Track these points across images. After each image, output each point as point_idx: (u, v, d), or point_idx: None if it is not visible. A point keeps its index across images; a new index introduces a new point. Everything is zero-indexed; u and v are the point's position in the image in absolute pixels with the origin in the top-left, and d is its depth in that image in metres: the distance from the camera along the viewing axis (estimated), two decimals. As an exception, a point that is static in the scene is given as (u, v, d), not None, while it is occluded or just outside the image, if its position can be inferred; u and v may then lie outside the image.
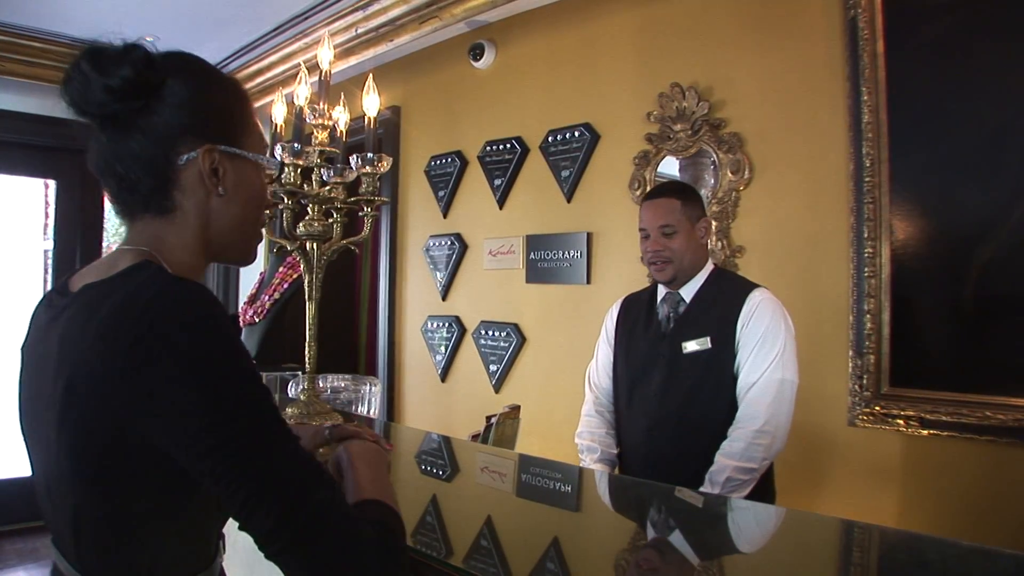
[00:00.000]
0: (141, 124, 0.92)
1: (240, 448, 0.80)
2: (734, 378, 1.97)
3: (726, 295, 2.05)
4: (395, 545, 0.89)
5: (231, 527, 0.89)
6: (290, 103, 1.91)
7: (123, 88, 0.90)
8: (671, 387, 2.03)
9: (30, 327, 0.99)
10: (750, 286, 2.05)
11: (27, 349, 0.98)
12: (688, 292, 2.09)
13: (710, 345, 2.00)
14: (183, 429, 0.80)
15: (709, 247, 2.81)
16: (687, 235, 2.06)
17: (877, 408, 2.32)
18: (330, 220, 1.91)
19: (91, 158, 0.96)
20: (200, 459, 0.80)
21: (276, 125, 1.96)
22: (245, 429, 0.81)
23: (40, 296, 1.03)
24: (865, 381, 2.34)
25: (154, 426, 0.81)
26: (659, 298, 2.16)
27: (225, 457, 0.80)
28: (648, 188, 3.00)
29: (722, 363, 1.98)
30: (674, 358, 2.04)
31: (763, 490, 1.94)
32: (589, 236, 3.27)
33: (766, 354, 1.92)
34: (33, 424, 0.95)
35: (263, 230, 1.10)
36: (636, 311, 2.23)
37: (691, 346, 2.02)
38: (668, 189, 2.16)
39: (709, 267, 2.12)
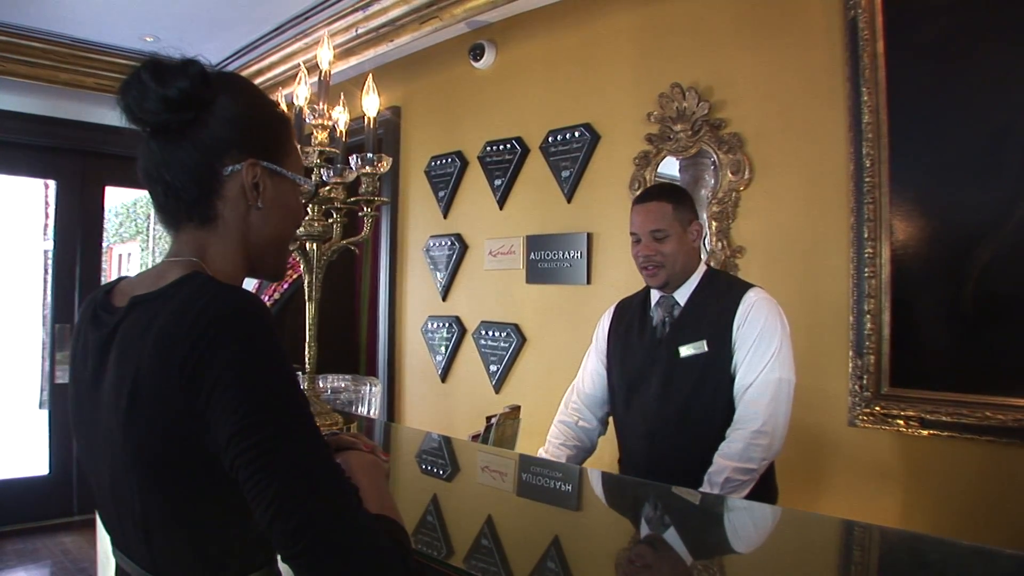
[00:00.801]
0: (191, 135, 0.97)
1: (273, 448, 0.83)
2: (732, 379, 1.95)
3: (720, 297, 2.03)
4: (407, 557, 0.91)
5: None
6: (290, 103, 1.91)
7: (178, 99, 0.94)
8: (669, 392, 2.00)
9: (76, 344, 1.03)
10: (744, 286, 2.04)
11: (77, 366, 1.02)
12: (682, 295, 2.06)
13: (706, 348, 1.97)
14: (225, 427, 0.84)
15: (710, 248, 2.82)
16: (679, 239, 2.03)
17: (877, 408, 2.32)
18: (330, 220, 1.91)
19: (140, 164, 1.00)
20: (236, 456, 0.83)
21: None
22: (280, 431, 0.84)
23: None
24: (865, 381, 2.34)
25: (206, 427, 0.85)
26: (653, 302, 2.13)
27: (258, 456, 0.82)
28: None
29: (719, 365, 1.96)
30: (671, 363, 2.01)
31: (764, 490, 1.93)
32: (589, 236, 3.27)
33: (762, 354, 1.91)
34: (93, 436, 0.98)
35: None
36: (629, 317, 2.20)
37: (687, 350, 1.99)
38: (659, 192, 2.12)
39: (702, 269, 2.09)
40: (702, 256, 2.29)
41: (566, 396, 2.33)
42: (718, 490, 1.83)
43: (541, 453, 2.25)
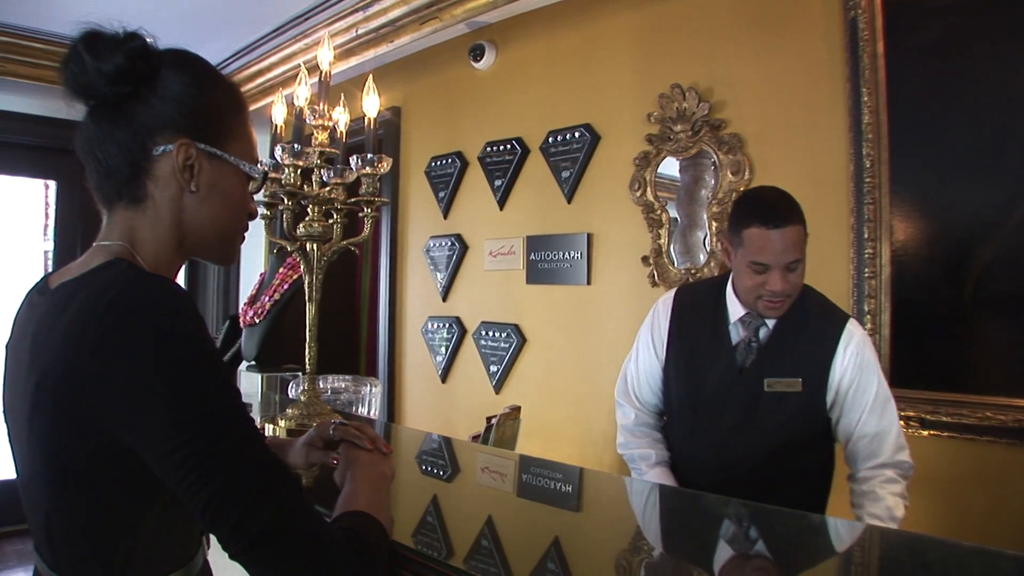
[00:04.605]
0: (126, 111, 0.94)
1: (203, 447, 0.80)
2: (824, 422, 1.80)
3: (815, 325, 1.80)
4: (366, 552, 0.89)
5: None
6: (290, 104, 1.91)
7: (114, 74, 0.91)
8: (749, 429, 1.79)
9: (13, 326, 1.00)
10: (841, 318, 1.82)
11: (9, 348, 0.99)
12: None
13: (800, 389, 1.76)
14: (147, 427, 0.80)
15: (709, 248, 2.82)
16: (804, 264, 1.76)
17: (877, 409, 2.32)
18: (330, 221, 1.91)
19: (76, 141, 0.97)
20: (164, 457, 0.80)
21: (276, 126, 1.96)
22: (209, 428, 0.81)
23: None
24: (865, 382, 2.34)
25: (120, 423, 0.82)
26: (732, 315, 1.85)
27: (188, 456, 0.79)
28: (649, 189, 3.00)
29: (813, 404, 1.77)
30: (754, 396, 1.79)
31: (821, 495, 1.89)
32: (589, 237, 3.27)
33: (885, 396, 1.78)
34: (13, 424, 0.95)
35: (244, 233, 1.09)
36: (698, 323, 1.92)
37: (777, 385, 1.77)
38: (792, 212, 1.75)
39: None
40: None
41: (626, 401, 2.08)
42: (892, 524, 1.71)
43: (629, 453, 2.02)
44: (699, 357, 1.90)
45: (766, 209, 1.76)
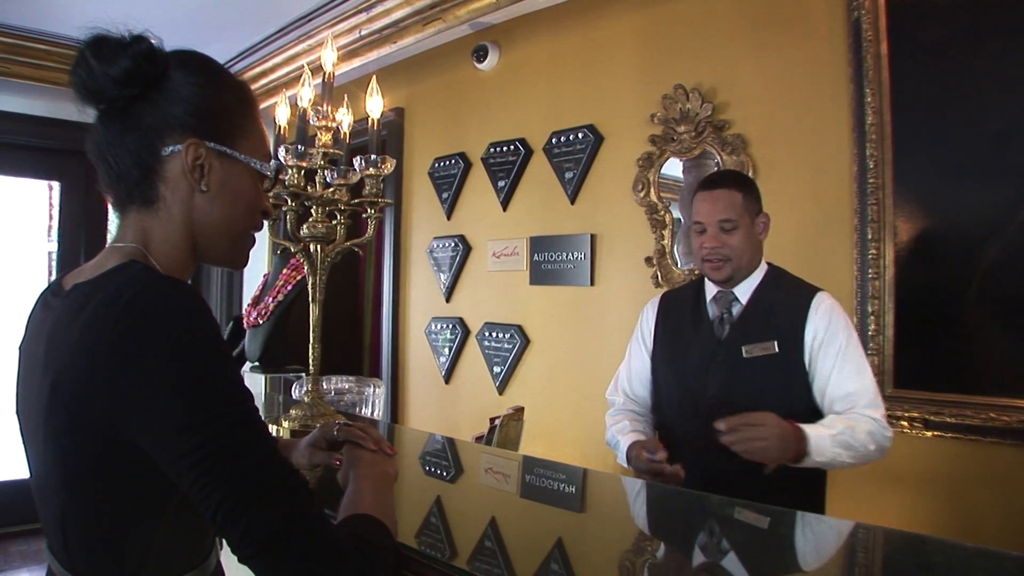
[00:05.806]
0: (135, 113, 0.94)
1: (216, 451, 0.81)
2: (805, 386, 1.84)
3: (788, 297, 1.91)
4: (372, 555, 0.89)
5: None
6: (294, 105, 1.91)
7: (121, 77, 0.91)
8: (732, 395, 1.84)
9: (26, 327, 1.00)
10: (813, 288, 1.92)
11: (23, 349, 0.99)
12: (744, 292, 1.93)
13: (776, 350, 1.83)
14: (161, 429, 0.81)
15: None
16: (747, 231, 1.89)
17: (881, 410, 2.31)
18: (334, 222, 1.91)
19: (88, 145, 0.97)
20: (177, 460, 0.81)
21: (280, 127, 1.96)
22: (222, 432, 0.81)
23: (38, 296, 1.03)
24: (869, 383, 2.34)
25: (135, 425, 0.82)
26: (708, 297, 1.98)
27: (201, 460, 0.80)
28: (652, 190, 3.00)
29: (789, 368, 1.84)
30: (734, 363, 1.87)
31: (816, 499, 1.89)
32: (593, 238, 3.27)
33: (859, 357, 1.82)
34: (27, 425, 0.95)
35: (255, 235, 1.08)
36: (680, 312, 2.04)
37: (754, 350, 1.85)
38: (729, 179, 1.97)
39: (764, 266, 1.97)
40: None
41: (610, 396, 2.19)
42: (829, 445, 1.68)
43: (608, 435, 2.07)
44: (684, 338, 2.01)
45: (706, 179, 2.02)
